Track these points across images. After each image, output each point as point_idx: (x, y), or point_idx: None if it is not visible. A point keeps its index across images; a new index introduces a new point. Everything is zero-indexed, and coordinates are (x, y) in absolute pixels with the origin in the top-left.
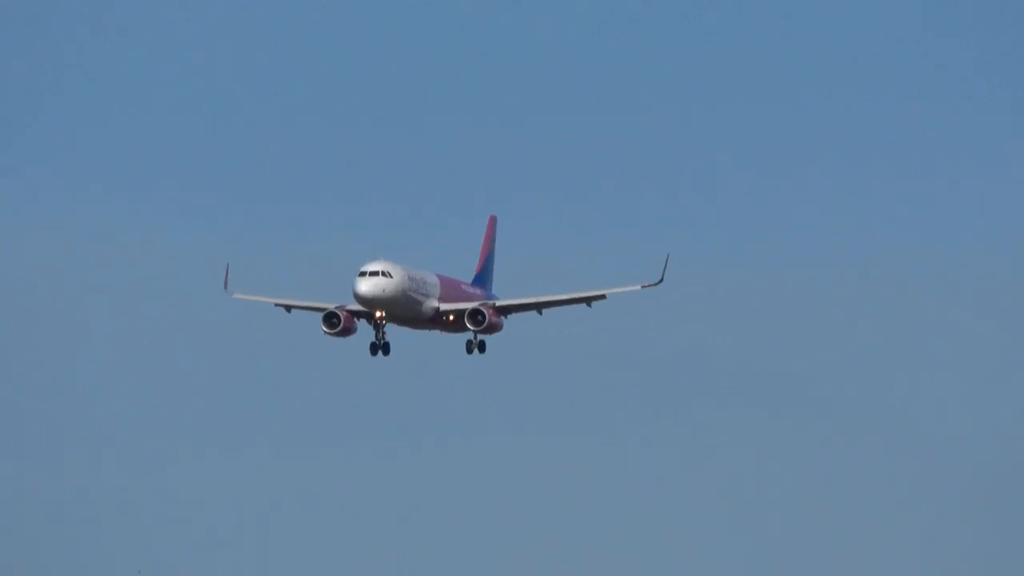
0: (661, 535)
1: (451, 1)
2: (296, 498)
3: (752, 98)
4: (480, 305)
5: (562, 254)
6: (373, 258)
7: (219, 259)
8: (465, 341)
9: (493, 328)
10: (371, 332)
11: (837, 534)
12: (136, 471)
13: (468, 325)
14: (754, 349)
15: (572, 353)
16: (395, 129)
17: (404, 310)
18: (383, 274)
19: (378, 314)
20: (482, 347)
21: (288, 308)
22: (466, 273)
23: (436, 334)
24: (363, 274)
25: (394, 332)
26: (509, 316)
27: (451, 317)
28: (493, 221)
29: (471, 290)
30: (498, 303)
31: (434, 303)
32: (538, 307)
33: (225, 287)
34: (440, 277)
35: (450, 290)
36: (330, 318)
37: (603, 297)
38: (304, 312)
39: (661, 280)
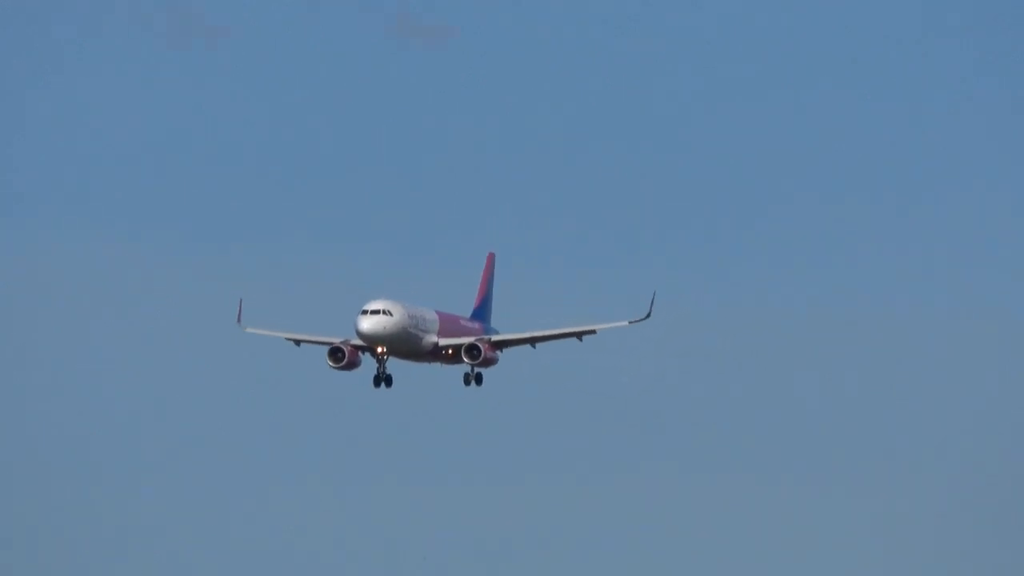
0: (654, 568)
1: (451, 39)
2: (303, 526)
3: (741, 133)
4: (476, 340)
5: (558, 288)
6: (375, 297)
7: (232, 294)
8: (463, 373)
9: (489, 362)
10: (375, 364)
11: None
12: (148, 502)
13: (465, 359)
14: (740, 384)
15: (564, 385)
16: (402, 172)
17: (405, 345)
18: (384, 312)
19: (380, 349)
20: (479, 379)
21: (297, 342)
22: (466, 307)
23: (437, 366)
24: (365, 312)
25: (397, 365)
26: (504, 349)
27: (450, 351)
28: (491, 258)
29: (469, 324)
30: (494, 338)
31: (433, 338)
32: (532, 341)
33: (238, 321)
34: (439, 313)
35: (449, 325)
36: (335, 353)
37: (593, 332)
38: (312, 346)
39: (648, 315)
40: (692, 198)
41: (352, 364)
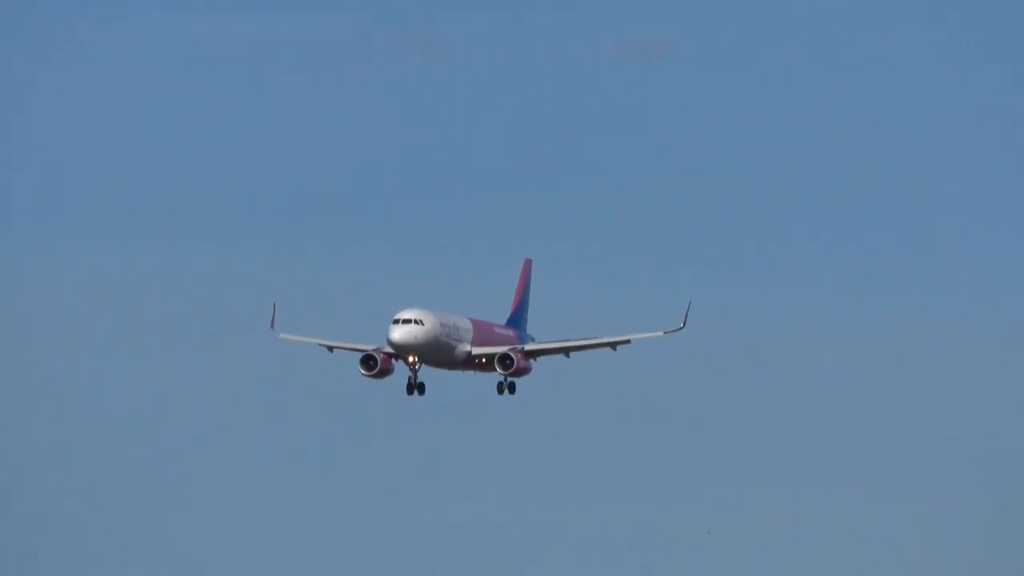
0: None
1: (487, 46)
2: (335, 533)
3: (784, 144)
4: (509, 350)
5: (594, 295)
6: (408, 305)
7: (266, 299)
8: (497, 382)
9: (522, 371)
10: (408, 372)
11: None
12: (179, 508)
13: (497, 368)
14: (774, 395)
15: (597, 395)
16: (435, 176)
17: (436, 354)
18: (415, 322)
19: (411, 358)
20: (512, 388)
21: (330, 348)
22: (501, 314)
23: (470, 374)
24: (396, 322)
25: (430, 373)
26: (538, 358)
27: (483, 360)
28: (528, 264)
29: (504, 332)
30: (527, 347)
31: (466, 347)
32: (565, 350)
33: (271, 327)
34: (473, 321)
35: (483, 333)
36: (367, 360)
37: (628, 342)
38: (345, 353)
39: (683, 326)
40: (730, 208)
41: (385, 372)
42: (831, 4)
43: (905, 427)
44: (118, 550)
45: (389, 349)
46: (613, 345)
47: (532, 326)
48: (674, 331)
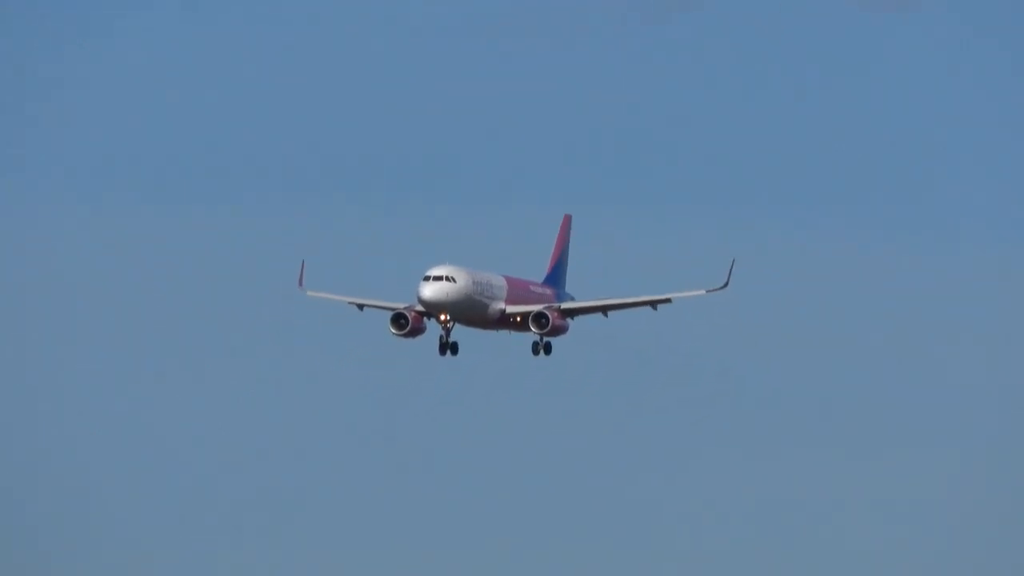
0: (722, 540)
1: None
2: (363, 496)
3: (833, 103)
4: (545, 308)
5: (637, 253)
6: (439, 262)
7: (293, 256)
8: (532, 342)
9: (558, 331)
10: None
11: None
12: (201, 468)
13: (532, 328)
14: (819, 358)
15: (636, 355)
16: (474, 130)
17: (469, 313)
18: (447, 279)
19: (443, 317)
20: (548, 349)
21: (360, 307)
22: (538, 271)
23: (504, 334)
24: (427, 279)
25: (463, 332)
26: (575, 318)
27: (518, 319)
28: (568, 220)
29: (540, 290)
30: (563, 306)
31: (500, 305)
32: (604, 309)
33: (300, 284)
34: (508, 279)
35: (518, 291)
36: (398, 319)
37: (669, 301)
38: (376, 311)
39: (727, 284)
40: (776, 167)
41: (416, 331)
42: None
43: (958, 389)
44: (142, 503)
45: (420, 307)
46: (653, 304)
47: (571, 285)
48: (717, 290)
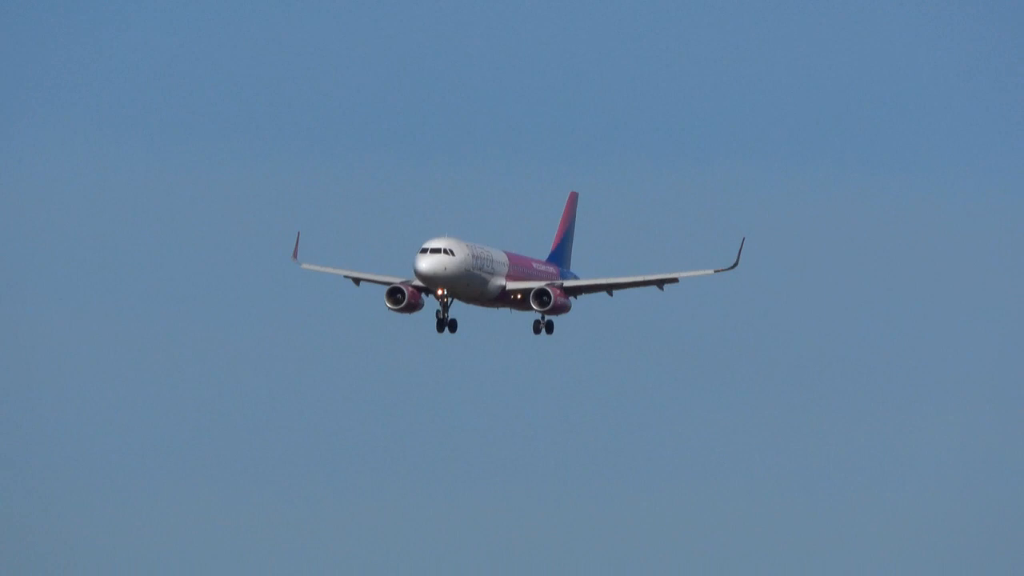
0: (729, 520)
1: None
2: (359, 472)
3: (838, 88)
4: (547, 285)
5: (643, 232)
6: (438, 234)
7: (288, 228)
8: (533, 321)
9: (560, 309)
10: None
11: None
12: (196, 441)
13: (533, 305)
14: (828, 337)
15: (641, 336)
16: (478, 103)
17: (468, 288)
18: (445, 251)
19: (440, 292)
20: (550, 327)
21: (356, 280)
22: (543, 250)
23: (505, 312)
24: (424, 251)
25: (462, 309)
26: (578, 296)
27: (518, 296)
28: (574, 198)
29: (543, 267)
30: (566, 283)
31: (500, 281)
32: (608, 288)
33: (294, 257)
34: (509, 255)
35: (519, 268)
36: (394, 293)
37: (675, 280)
38: (372, 285)
39: (736, 264)
40: (784, 147)
41: (413, 306)
42: None
43: (976, 367)
44: (138, 476)
45: (418, 282)
46: (659, 283)
47: (577, 264)
48: (726, 270)
